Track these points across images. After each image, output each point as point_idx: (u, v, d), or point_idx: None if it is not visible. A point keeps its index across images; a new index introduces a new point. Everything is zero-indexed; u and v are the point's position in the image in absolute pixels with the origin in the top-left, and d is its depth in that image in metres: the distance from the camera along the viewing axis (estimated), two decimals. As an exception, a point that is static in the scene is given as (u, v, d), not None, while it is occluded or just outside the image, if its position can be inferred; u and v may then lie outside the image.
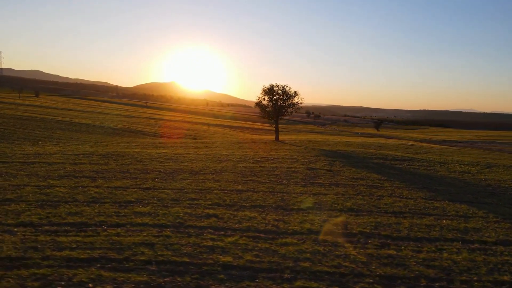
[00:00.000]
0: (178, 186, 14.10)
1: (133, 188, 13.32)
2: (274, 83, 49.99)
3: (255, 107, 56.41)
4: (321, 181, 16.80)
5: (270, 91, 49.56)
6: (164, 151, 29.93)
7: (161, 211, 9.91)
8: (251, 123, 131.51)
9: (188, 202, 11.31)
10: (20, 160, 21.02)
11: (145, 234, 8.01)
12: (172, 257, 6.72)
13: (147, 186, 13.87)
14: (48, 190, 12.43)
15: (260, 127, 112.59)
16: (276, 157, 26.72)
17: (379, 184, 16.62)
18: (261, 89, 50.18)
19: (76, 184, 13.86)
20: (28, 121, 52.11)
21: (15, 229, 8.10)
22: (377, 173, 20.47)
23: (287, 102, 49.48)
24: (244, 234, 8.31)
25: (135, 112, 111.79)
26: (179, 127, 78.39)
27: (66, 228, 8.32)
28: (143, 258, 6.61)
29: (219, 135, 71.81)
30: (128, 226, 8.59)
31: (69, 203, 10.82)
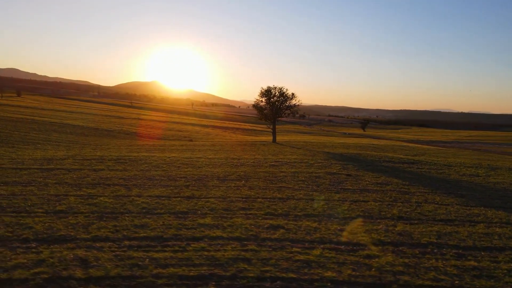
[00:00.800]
0: (218, 194, 14.13)
1: (176, 197, 13.28)
2: (271, 85, 50.35)
3: (248, 107, 56.53)
4: (349, 187, 17.06)
5: (267, 93, 49.84)
6: (172, 155, 29.72)
7: (225, 223, 9.95)
8: (239, 123, 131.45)
9: (241, 212, 11.37)
10: (35, 167, 20.61)
11: (231, 248, 8.06)
12: (277, 272, 6.80)
13: (188, 195, 13.85)
14: (93, 201, 12.28)
15: (249, 127, 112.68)
16: (287, 160, 26.91)
17: (406, 190, 17.01)
18: (259, 91, 50.44)
19: (115, 193, 13.73)
20: (20, 123, 50.84)
21: (98, 245, 8.02)
22: (394, 177, 20.89)
23: (284, 104, 49.90)
24: (322, 246, 8.46)
25: (123, 112, 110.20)
26: (171, 128, 77.77)
27: (147, 243, 8.28)
28: (251, 275, 6.66)
29: (212, 136, 71.66)
30: (206, 240, 8.61)
31: (125, 214, 10.74)
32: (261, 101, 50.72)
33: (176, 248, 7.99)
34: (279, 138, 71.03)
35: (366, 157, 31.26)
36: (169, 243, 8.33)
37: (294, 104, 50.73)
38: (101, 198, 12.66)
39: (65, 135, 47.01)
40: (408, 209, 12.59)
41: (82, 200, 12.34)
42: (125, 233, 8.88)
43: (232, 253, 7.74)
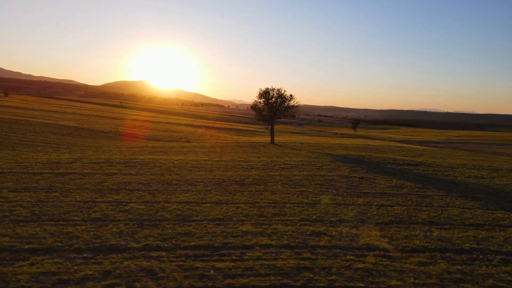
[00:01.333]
0: (243, 199, 14.22)
1: (204, 203, 13.32)
2: (269, 87, 50.57)
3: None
4: (367, 190, 17.31)
5: (265, 94, 49.99)
6: (178, 157, 29.65)
7: (267, 230, 10.05)
8: (231, 123, 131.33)
9: (277, 218, 11.49)
10: (46, 171, 20.40)
11: (286, 256, 8.16)
12: (345, 282, 6.91)
13: (214, 200, 13.90)
14: (125, 207, 12.26)
15: (241, 127, 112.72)
16: (295, 163, 27.10)
17: (423, 193, 17.34)
18: (257, 92, 50.55)
19: (142, 199, 13.72)
20: (15, 125, 50.03)
21: (153, 254, 8.03)
22: (405, 179, 21.24)
23: (282, 105, 50.10)
24: (372, 253, 8.61)
25: (115, 113, 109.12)
26: (165, 129, 77.35)
27: (201, 252, 8.33)
28: (321, 284, 6.77)
29: (207, 137, 71.44)
30: (258, 248, 8.70)
31: (164, 222, 10.76)
32: (259, 102, 50.87)
33: (233, 257, 8.05)
34: (275, 138, 71.29)
35: (370, 159, 31.62)
36: (223, 251, 8.39)
37: (292, 106, 50.99)
38: (132, 205, 12.63)
39: (62, 136, 46.44)
40: (435, 214, 12.88)
41: (113, 207, 12.29)
42: (174, 242, 8.92)
43: (291, 262, 7.85)
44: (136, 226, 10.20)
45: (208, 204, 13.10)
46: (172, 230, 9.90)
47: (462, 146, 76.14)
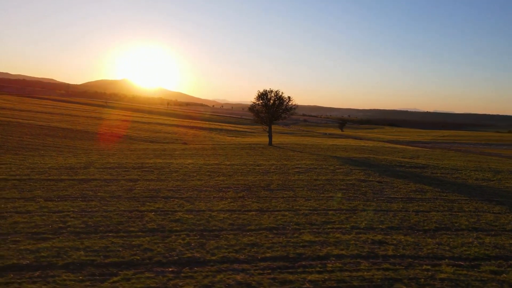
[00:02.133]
0: (282, 206, 14.45)
1: (248, 211, 13.49)
2: (268, 89, 50.87)
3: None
4: (393, 195, 17.77)
5: (263, 96, 50.25)
6: (188, 161, 29.62)
7: (329, 239, 10.31)
8: (220, 124, 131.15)
9: (328, 226, 11.75)
10: (65, 177, 20.21)
11: (365, 268, 8.42)
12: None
13: (255, 208, 14.08)
14: (174, 217, 12.32)
15: (231, 128, 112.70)
16: (306, 167, 27.45)
17: (446, 197, 17.92)
18: (256, 94, 50.76)
19: (184, 207, 13.79)
20: (8, 127, 48.90)
21: (237, 267, 8.16)
22: (422, 183, 21.81)
23: (281, 107, 50.46)
24: (442, 262, 8.98)
25: (102, 113, 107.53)
26: (158, 130, 76.74)
27: (282, 263, 8.49)
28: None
29: (201, 138, 71.21)
30: (333, 258, 8.93)
31: (222, 231, 10.89)
32: (258, 104, 51.12)
33: (317, 268, 8.27)
34: (265, 139, 71.77)
35: (376, 162, 32.24)
36: (302, 263, 8.60)
37: (290, 107, 51.43)
38: (179, 214, 12.70)
39: (59, 139, 45.64)
40: (473, 219, 13.40)
41: (162, 217, 12.34)
42: (248, 253, 9.07)
43: (376, 272, 8.12)
44: (198, 237, 10.30)
45: (253, 212, 13.26)
46: (237, 240, 10.04)
47: (449, 147, 78.16)
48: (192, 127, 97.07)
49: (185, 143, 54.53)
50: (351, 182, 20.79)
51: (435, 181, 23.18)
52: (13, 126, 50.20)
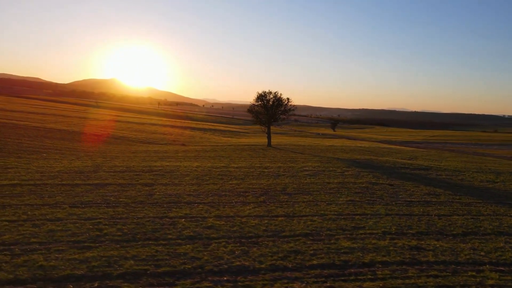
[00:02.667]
0: (307, 211, 14.65)
1: (276, 217, 13.64)
2: (266, 90, 51.16)
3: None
4: (410, 199, 18.10)
5: (262, 97, 50.52)
6: (195, 164, 29.65)
7: (368, 245, 10.52)
8: (213, 124, 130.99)
9: (360, 232, 11.98)
10: (79, 182, 20.12)
11: (413, 274, 8.64)
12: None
13: (281, 213, 14.24)
14: (206, 223, 12.40)
15: (223, 128, 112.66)
16: (313, 169, 27.68)
17: (459, 200, 18.36)
18: (255, 95, 50.98)
19: (211, 213, 13.88)
20: (3, 128, 48.26)
21: (289, 275, 8.28)
22: (432, 186, 22.23)
23: (279, 109, 50.79)
24: (484, 267, 9.26)
25: (95, 114, 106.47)
26: (154, 131, 76.38)
27: (331, 271, 8.66)
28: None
29: (197, 139, 71.10)
30: (378, 265, 9.14)
31: (260, 238, 11.02)
32: (257, 105, 51.41)
33: (368, 276, 8.47)
34: (261, 139, 71.94)
35: (380, 164, 32.66)
36: (351, 270, 8.79)
37: (289, 109, 51.79)
38: (210, 220, 12.79)
39: (58, 141, 45.18)
40: (496, 223, 13.79)
41: (195, 223, 12.41)
42: (295, 261, 9.23)
43: (427, 280, 8.36)
44: (238, 244, 10.42)
45: (281, 218, 13.42)
46: (278, 248, 10.19)
47: (442, 147, 79.43)
48: (185, 128, 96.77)
49: (184, 145, 54.41)
50: (364, 186, 21.08)
51: (443, 183, 23.62)
52: (8, 127, 49.50)
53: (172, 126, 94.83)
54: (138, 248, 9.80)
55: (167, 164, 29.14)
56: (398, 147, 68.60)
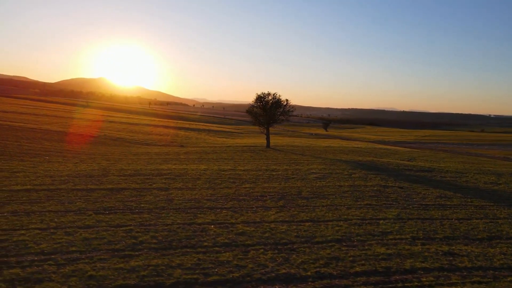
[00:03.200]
0: (330, 216, 14.86)
1: (301, 222, 13.83)
2: (266, 92, 51.39)
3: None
4: (424, 202, 18.46)
5: (261, 99, 50.73)
6: (202, 166, 29.69)
7: (402, 251, 10.76)
8: (206, 124, 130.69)
9: (390, 237, 12.23)
10: (94, 187, 20.02)
11: (457, 281, 8.90)
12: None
13: (305, 218, 14.42)
14: (237, 230, 12.51)
15: (217, 128, 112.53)
16: (321, 172, 27.91)
17: (471, 203, 18.79)
18: (254, 97, 51.15)
19: (236, 219, 14.01)
20: (1, 131, 47.56)
21: (359, 279, 8.43)
22: (441, 188, 22.65)
23: (278, 110, 51.05)
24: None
25: (88, 114, 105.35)
26: (149, 131, 75.95)
27: (377, 278, 8.87)
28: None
29: (193, 140, 70.95)
30: (421, 272, 9.39)
31: (294, 245, 11.18)
32: (256, 106, 51.62)
33: (415, 283, 8.70)
34: (257, 140, 72.13)
35: (383, 165, 33.05)
36: (396, 277, 9.00)
37: (288, 110, 52.08)
38: (239, 226, 12.90)
39: (57, 143, 44.71)
40: (519, 227, 14.20)
41: (225, 229, 12.52)
42: (339, 268, 9.40)
43: (472, 286, 8.63)
44: (276, 251, 10.56)
45: (307, 223, 13.60)
46: (316, 254, 10.36)
47: (435, 147, 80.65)
48: (179, 128, 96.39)
49: (182, 146, 54.30)
50: (375, 189, 21.38)
51: (450, 186, 24.06)
52: (4, 129, 48.81)
53: (166, 127, 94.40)
54: (179, 256, 9.87)
55: (174, 167, 29.10)
56: (393, 147, 69.45)
